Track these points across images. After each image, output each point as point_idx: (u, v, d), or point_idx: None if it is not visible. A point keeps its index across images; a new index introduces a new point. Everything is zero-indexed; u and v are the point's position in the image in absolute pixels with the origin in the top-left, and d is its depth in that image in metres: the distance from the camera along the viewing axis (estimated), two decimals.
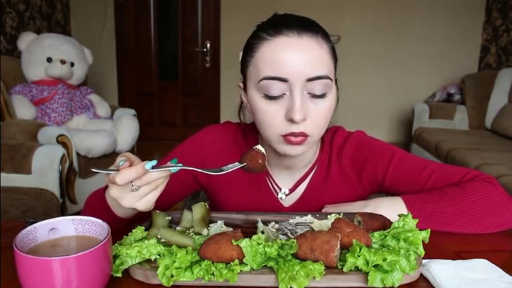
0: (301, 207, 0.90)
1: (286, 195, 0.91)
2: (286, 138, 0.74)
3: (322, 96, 0.73)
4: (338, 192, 0.90)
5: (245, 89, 0.80)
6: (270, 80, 0.71)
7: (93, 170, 0.60)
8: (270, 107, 0.73)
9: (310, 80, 0.70)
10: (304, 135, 0.73)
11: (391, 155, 0.86)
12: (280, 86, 0.71)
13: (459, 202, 0.77)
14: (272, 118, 0.73)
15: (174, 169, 0.62)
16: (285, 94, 0.72)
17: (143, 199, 0.62)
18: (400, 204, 0.78)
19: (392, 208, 0.77)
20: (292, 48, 0.70)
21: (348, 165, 0.90)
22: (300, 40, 0.71)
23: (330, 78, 0.73)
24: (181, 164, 0.62)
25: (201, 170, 0.64)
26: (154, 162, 0.60)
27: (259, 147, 0.67)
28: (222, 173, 0.64)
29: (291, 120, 0.71)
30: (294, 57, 0.70)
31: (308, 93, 0.72)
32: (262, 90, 0.73)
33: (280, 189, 0.91)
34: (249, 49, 0.76)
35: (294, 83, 0.70)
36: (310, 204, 0.90)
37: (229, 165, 0.65)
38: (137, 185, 0.60)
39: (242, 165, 0.66)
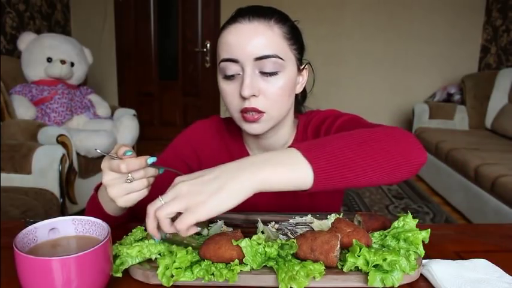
0: None
1: None
2: (243, 115, 0.80)
3: (274, 74, 0.78)
4: None
5: None
6: (226, 61, 0.79)
7: (96, 150, 0.64)
8: (228, 86, 0.81)
9: (258, 58, 0.76)
10: (257, 110, 0.78)
11: (342, 115, 0.86)
12: (234, 67, 0.78)
13: (359, 133, 0.64)
14: (230, 96, 0.81)
15: (161, 169, 0.67)
16: (239, 74, 0.79)
17: (128, 195, 0.63)
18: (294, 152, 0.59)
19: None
20: (242, 32, 0.77)
21: None
22: (250, 25, 0.77)
23: (281, 58, 0.78)
24: (168, 168, 0.69)
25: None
26: (154, 159, 0.64)
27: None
28: None
29: (243, 97, 0.78)
30: (243, 40, 0.77)
31: (260, 71, 0.78)
32: (222, 72, 0.81)
33: None
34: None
35: (244, 62, 0.77)
36: None
37: None
38: (132, 177, 0.62)
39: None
